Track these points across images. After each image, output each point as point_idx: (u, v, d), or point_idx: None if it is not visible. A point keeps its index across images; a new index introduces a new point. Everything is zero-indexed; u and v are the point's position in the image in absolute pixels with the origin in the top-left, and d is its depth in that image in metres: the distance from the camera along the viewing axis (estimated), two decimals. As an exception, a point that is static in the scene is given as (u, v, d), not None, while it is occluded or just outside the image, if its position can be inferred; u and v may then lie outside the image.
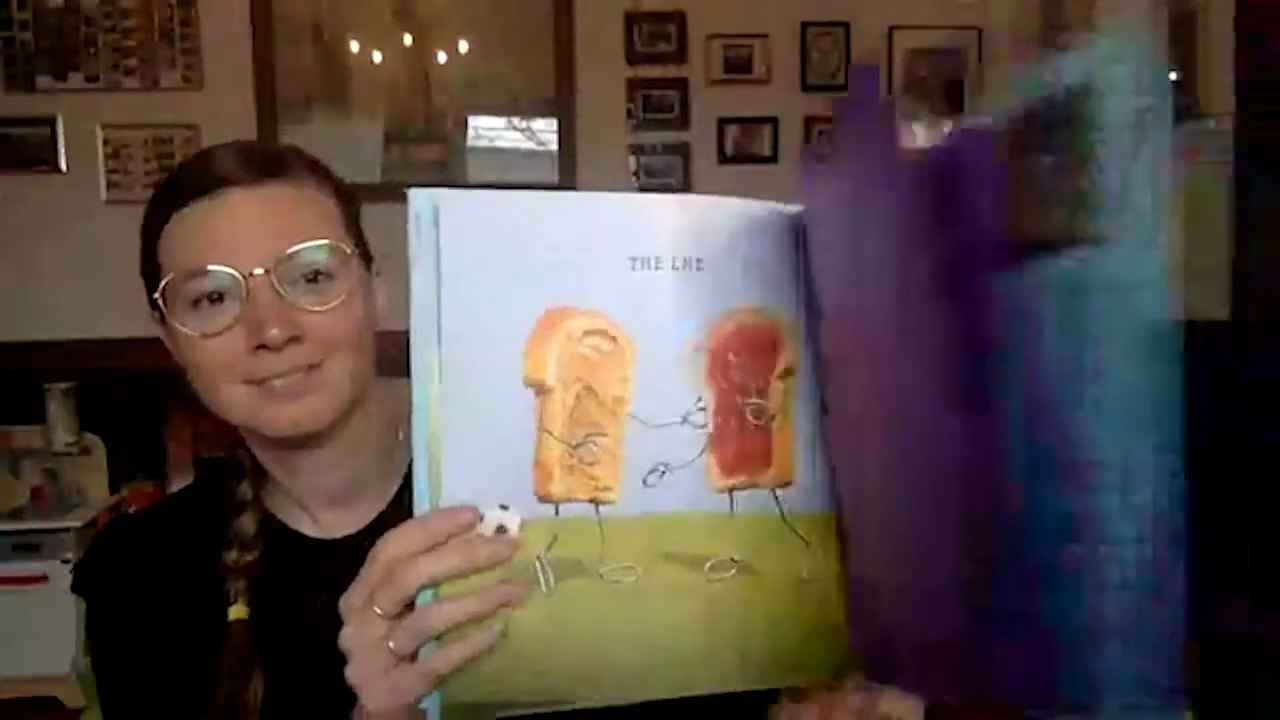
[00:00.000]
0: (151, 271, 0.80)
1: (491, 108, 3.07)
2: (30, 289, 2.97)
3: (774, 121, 3.22)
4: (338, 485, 0.84)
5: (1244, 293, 2.20)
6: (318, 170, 0.83)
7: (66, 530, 2.63)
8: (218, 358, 0.76)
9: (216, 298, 0.76)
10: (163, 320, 0.79)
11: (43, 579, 2.60)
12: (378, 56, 3.06)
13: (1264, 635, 2.00)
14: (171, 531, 0.89)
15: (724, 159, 3.22)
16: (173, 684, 0.82)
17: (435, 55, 3.05)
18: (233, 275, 0.75)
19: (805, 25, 3.21)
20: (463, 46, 3.05)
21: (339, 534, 0.85)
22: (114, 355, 2.89)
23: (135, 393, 2.78)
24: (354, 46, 3.05)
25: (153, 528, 0.90)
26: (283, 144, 0.87)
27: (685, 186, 3.20)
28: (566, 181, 3.15)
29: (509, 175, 3.05)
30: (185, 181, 0.79)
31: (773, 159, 3.22)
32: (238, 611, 0.81)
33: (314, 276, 0.77)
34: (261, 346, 0.74)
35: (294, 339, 0.75)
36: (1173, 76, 2.47)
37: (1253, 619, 2.05)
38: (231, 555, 0.83)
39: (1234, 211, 2.22)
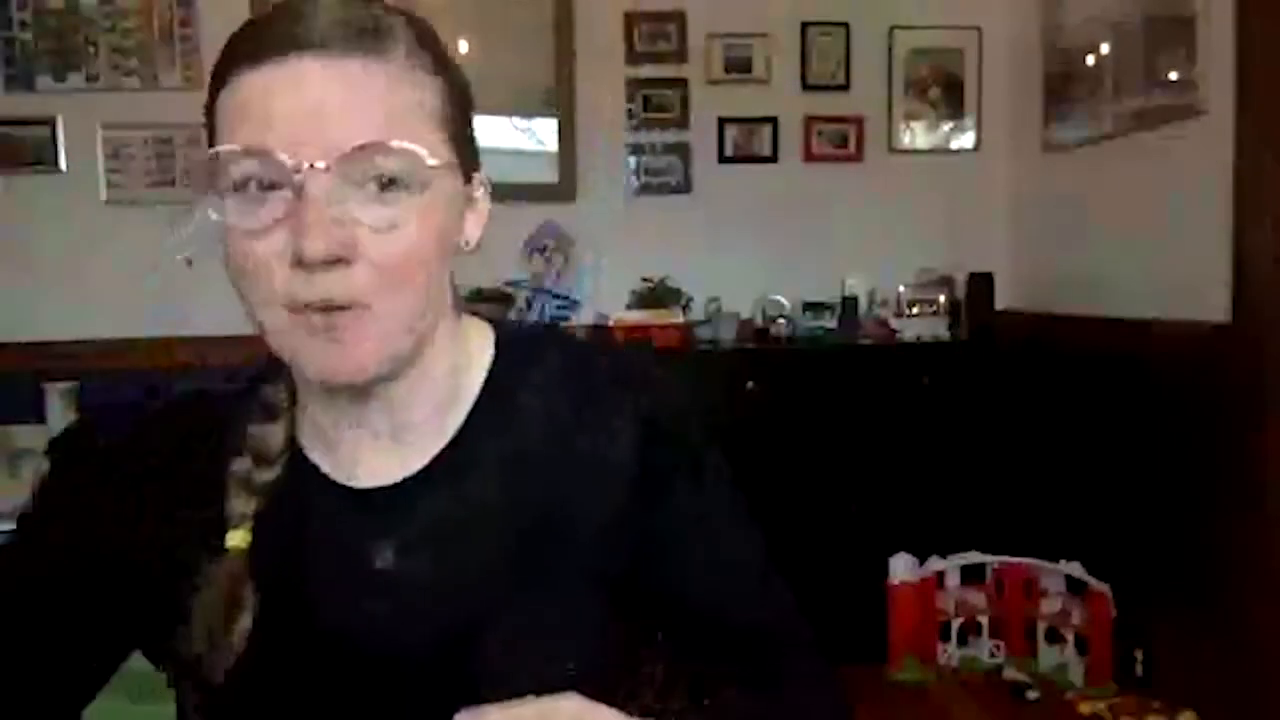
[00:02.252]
0: (209, 138, 0.67)
1: (491, 107, 3.06)
2: (30, 289, 2.97)
3: (774, 121, 3.22)
4: (379, 433, 0.73)
5: (1244, 293, 2.20)
6: (428, 47, 0.67)
7: (66, 530, 2.64)
8: (255, 261, 0.63)
9: (264, 186, 0.62)
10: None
11: (43, 579, 2.59)
12: (378, 56, 3.05)
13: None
14: (182, 422, 0.77)
15: (724, 159, 3.22)
16: (125, 590, 0.73)
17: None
18: (282, 163, 0.61)
19: (805, 25, 3.21)
20: (463, 46, 3.05)
21: (367, 483, 0.73)
22: (114, 355, 2.90)
23: (135, 393, 2.78)
24: (354, 46, 3.04)
25: (162, 417, 0.79)
26: (396, 5, 0.68)
27: (685, 186, 3.20)
28: (566, 181, 3.15)
29: (509, 175, 3.05)
30: (257, 35, 0.65)
31: (773, 159, 3.22)
32: (238, 538, 0.70)
33: (386, 183, 0.63)
34: (301, 261, 0.61)
35: (341, 260, 0.62)
36: (1173, 76, 2.48)
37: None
38: (243, 465, 0.72)
39: (1234, 212, 2.22)
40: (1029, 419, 2.89)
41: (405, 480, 0.73)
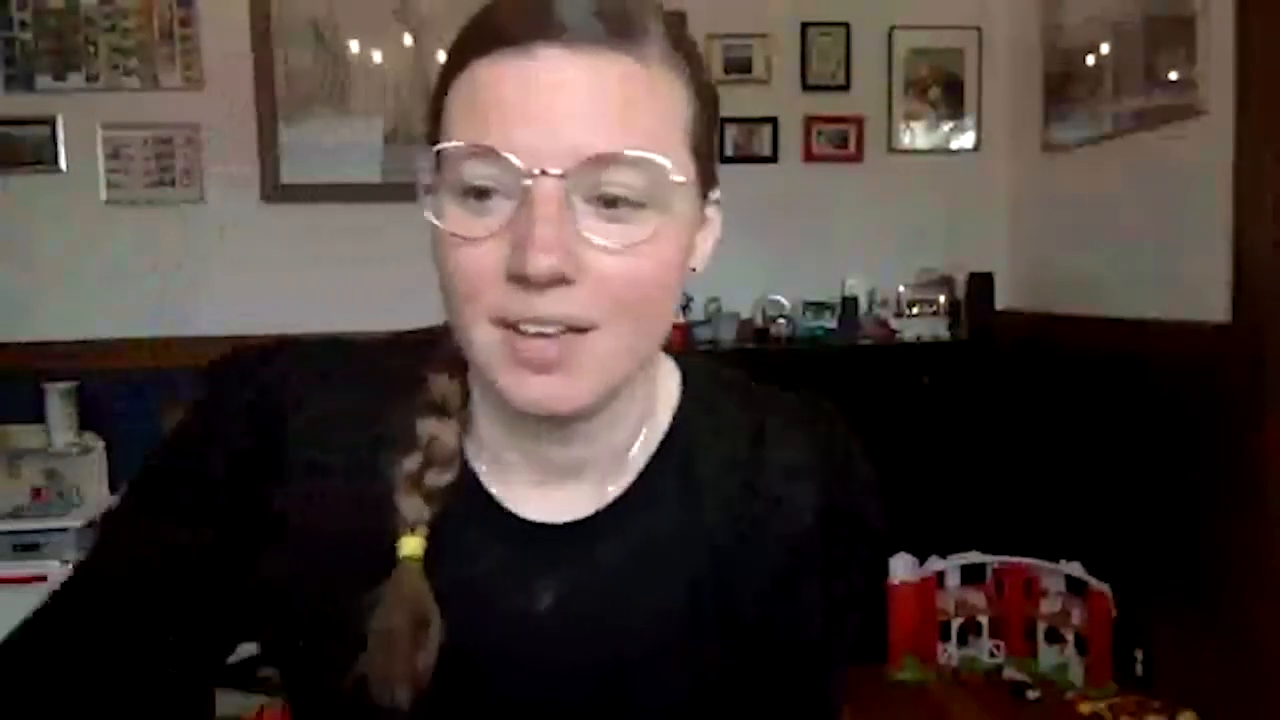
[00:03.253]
0: (432, 132, 0.60)
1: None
2: (30, 289, 2.97)
3: (774, 121, 3.22)
4: (558, 466, 0.66)
5: (1244, 293, 2.20)
6: (682, 47, 0.60)
7: (66, 530, 2.63)
8: (468, 274, 0.56)
9: (486, 192, 0.56)
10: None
11: (43, 579, 2.59)
12: (378, 56, 3.06)
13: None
14: (355, 392, 0.67)
15: (724, 159, 3.20)
16: (289, 587, 0.65)
17: (435, 55, 3.05)
18: (512, 166, 0.54)
19: (805, 25, 3.21)
20: (463, 46, 3.05)
21: (533, 515, 0.67)
22: (114, 355, 2.90)
23: (135, 393, 2.78)
24: (354, 46, 3.05)
25: (343, 375, 0.68)
26: None
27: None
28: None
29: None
30: (495, 18, 0.57)
31: (773, 159, 3.22)
32: (414, 546, 0.62)
33: (619, 200, 0.56)
34: (521, 277, 0.55)
35: (564, 280, 0.55)
36: (1173, 76, 2.48)
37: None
38: (414, 463, 0.64)
39: (1234, 212, 2.22)
40: (1029, 419, 2.89)
41: (580, 520, 0.67)
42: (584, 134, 0.54)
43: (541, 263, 0.54)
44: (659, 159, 0.56)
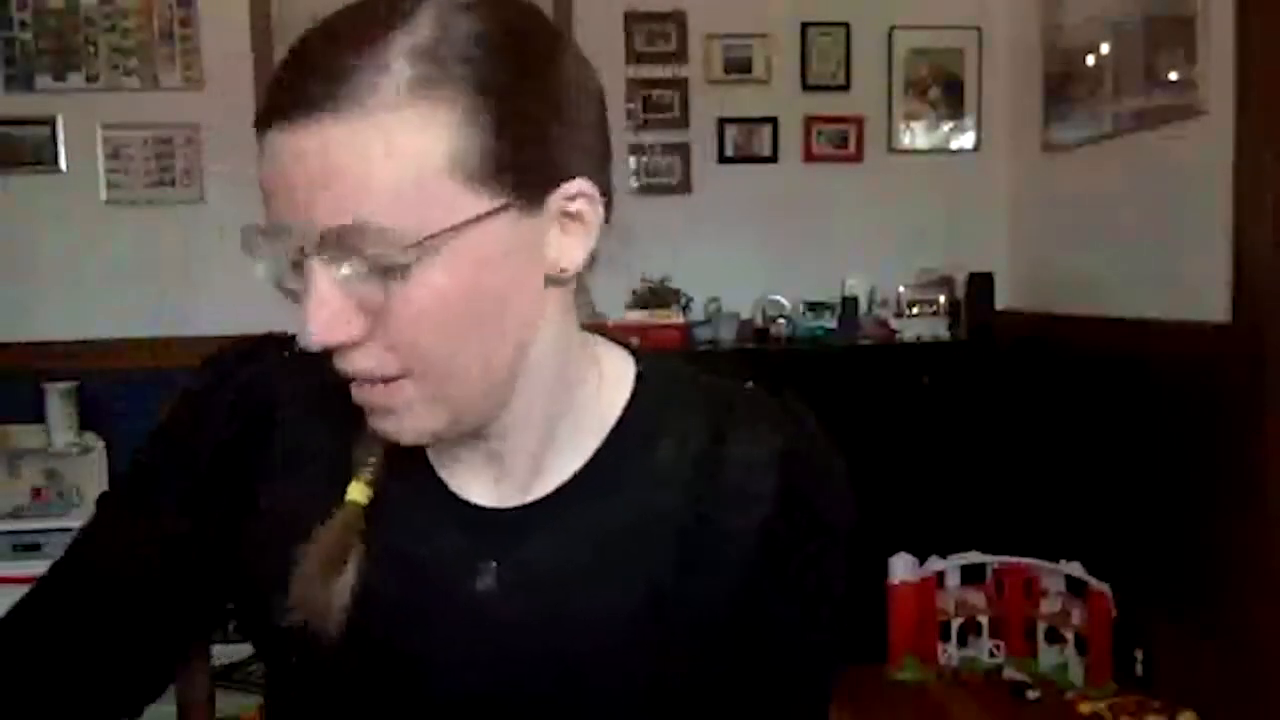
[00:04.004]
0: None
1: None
2: (30, 289, 2.97)
3: (774, 121, 3.22)
4: (491, 457, 0.69)
5: (1244, 293, 2.20)
6: (443, 70, 0.55)
7: (66, 530, 2.63)
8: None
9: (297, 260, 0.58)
10: None
11: (43, 579, 2.60)
12: (378, 56, 3.05)
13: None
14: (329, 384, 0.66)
15: (724, 159, 3.22)
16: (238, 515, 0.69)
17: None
18: (288, 242, 0.57)
19: (805, 25, 3.21)
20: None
21: (474, 499, 0.69)
22: (114, 355, 2.90)
23: (135, 393, 2.78)
24: (354, 46, 3.04)
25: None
26: (373, 35, 0.55)
27: (685, 187, 3.20)
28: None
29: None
30: (267, 95, 0.58)
31: (773, 159, 3.22)
32: (359, 492, 0.65)
33: (374, 260, 0.56)
34: None
35: (347, 344, 0.58)
36: (1173, 76, 2.48)
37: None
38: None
39: (1234, 212, 2.22)
40: (1029, 419, 2.88)
41: (521, 505, 0.68)
42: (309, 210, 0.55)
43: (312, 340, 0.56)
44: (392, 226, 0.54)
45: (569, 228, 0.62)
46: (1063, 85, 2.93)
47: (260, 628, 0.71)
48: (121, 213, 3.00)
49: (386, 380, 0.59)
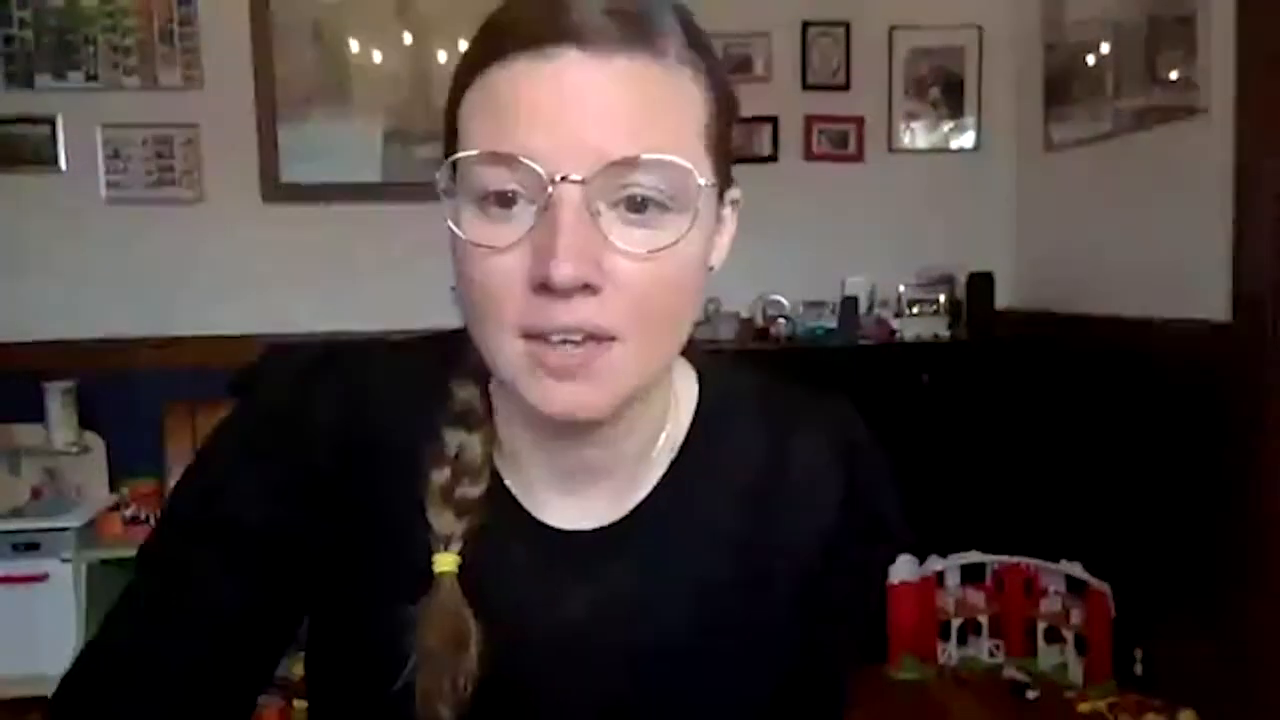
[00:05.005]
0: (448, 141, 0.59)
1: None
2: (30, 289, 2.97)
3: (774, 121, 3.22)
4: (579, 474, 0.66)
5: (1244, 293, 2.20)
6: (699, 45, 0.58)
7: (66, 530, 2.63)
8: (491, 284, 0.55)
9: (507, 199, 0.55)
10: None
11: (43, 578, 2.59)
12: (378, 56, 3.05)
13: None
14: (389, 404, 0.66)
15: (724, 158, 3.21)
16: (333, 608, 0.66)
17: (435, 55, 3.05)
18: (533, 172, 0.53)
19: (805, 25, 3.21)
20: (463, 46, 3.04)
21: (559, 522, 0.66)
22: (114, 355, 2.90)
23: (135, 393, 2.78)
24: (354, 46, 3.05)
25: (377, 392, 0.66)
26: None
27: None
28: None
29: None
30: (510, 23, 0.56)
31: (773, 159, 3.22)
32: (448, 562, 0.62)
33: (642, 204, 0.55)
34: (545, 286, 0.54)
35: (589, 287, 0.54)
36: (1173, 76, 2.48)
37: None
38: (441, 476, 0.63)
39: (1234, 212, 2.22)
40: (1029, 418, 2.88)
41: (605, 526, 0.66)
42: (605, 138, 0.53)
43: (565, 271, 0.52)
44: (682, 161, 0.55)
45: (722, 229, 0.64)
46: (1063, 85, 2.93)
47: (329, 673, 0.69)
48: (121, 212, 2.99)
49: (599, 339, 0.55)
